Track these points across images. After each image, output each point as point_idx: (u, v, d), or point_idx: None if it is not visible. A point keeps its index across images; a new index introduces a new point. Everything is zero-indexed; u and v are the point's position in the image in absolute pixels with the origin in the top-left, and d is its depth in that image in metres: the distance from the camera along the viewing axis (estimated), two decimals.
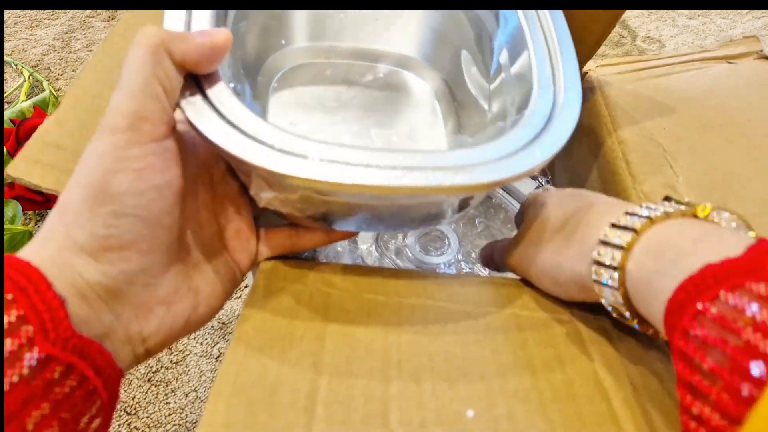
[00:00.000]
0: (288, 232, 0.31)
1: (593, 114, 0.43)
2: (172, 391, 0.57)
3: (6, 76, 0.84)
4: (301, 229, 0.31)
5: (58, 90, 0.82)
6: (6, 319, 0.18)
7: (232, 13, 0.31)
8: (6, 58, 0.85)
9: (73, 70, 0.86)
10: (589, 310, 0.29)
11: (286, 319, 0.26)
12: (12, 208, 0.64)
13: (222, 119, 0.24)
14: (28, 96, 0.80)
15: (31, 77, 0.82)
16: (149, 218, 0.23)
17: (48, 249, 0.21)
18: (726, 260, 0.19)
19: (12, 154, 0.67)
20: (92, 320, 0.22)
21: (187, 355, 0.60)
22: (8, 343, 0.18)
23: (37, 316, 0.19)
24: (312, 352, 0.24)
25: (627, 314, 0.24)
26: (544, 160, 0.26)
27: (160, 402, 0.56)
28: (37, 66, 0.86)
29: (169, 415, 0.56)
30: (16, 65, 0.84)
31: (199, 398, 0.57)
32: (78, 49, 0.89)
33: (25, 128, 0.68)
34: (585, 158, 0.44)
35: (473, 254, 0.50)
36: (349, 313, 0.27)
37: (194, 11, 0.27)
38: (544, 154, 0.26)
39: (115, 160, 0.22)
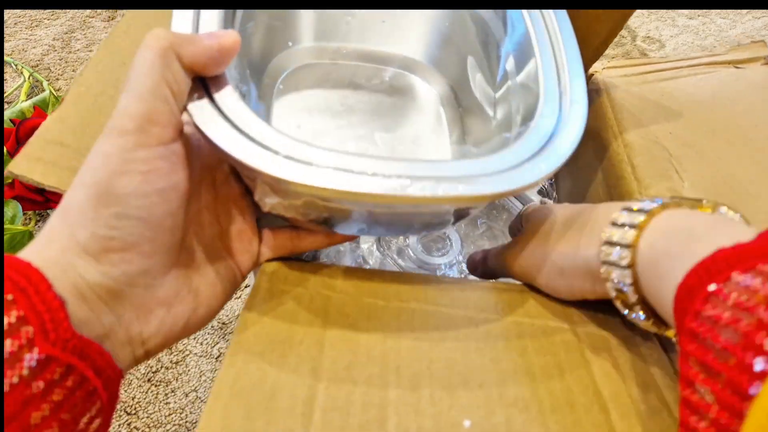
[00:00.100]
0: (289, 233, 0.31)
1: (599, 117, 0.43)
2: (172, 391, 0.57)
3: (6, 76, 0.84)
4: (302, 231, 0.31)
5: (58, 90, 0.82)
6: (6, 319, 0.18)
7: (239, 13, 0.31)
8: (6, 58, 0.85)
9: (73, 70, 0.86)
10: (590, 319, 0.29)
11: (286, 323, 0.26)
12: (12, 208, 0.64)
13: (229, 124, 0.24)
14: (28, 96, 0.80)
15: (31, 77, 0.82)
16: (153, 221, 0.23)
17: (49, 250, 0.21)
18: (738, 245, 0.19)
19: (12, 155, 0.67)
20: (92, 321, 0.21)
21: (187, 355, 0.60)
22: (8, 344, 0.18)
23: (37, 317, 0.19)
24: (311, 357, 0.24)
25: (632, 299, 0.24)
26: (549, 172, 0.26)
27: (160, 402, 0.56)
28: (37, 66, 0.86)
29: (169, 415, 0.56)
30: (16, 65, 0.84)
31: (199, 398, 0.57)
32: (78, 49, 0.89)
33: (25, 128, 0.68)
34: (590, 161, 0.44)
35: None
36: (348, 318, 0.27)
37: (202, 12, 0.27)
38: (549, 166, 0.26)
39: (121, 161, 0.21)
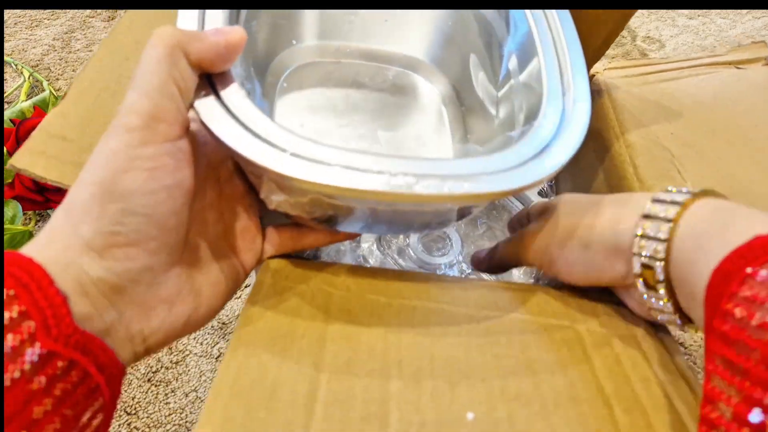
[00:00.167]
0: (292, 231, 0.31)
1: (600, 117, 0.43)
2: (172, 391, 0.57)
3: (6, 76, 0.84)
4: (305, 229, 0.31)
5: (58, 90, 0.82)
6: (7, 314, 0.18)
7: (243, 12, 0.31)
8: (6, 58, 0.85)
9: (73, 70, 0.86)
10: (591, 317, 0.29)
11: (288, 318, 0.26)
12: (12, 208, 0.64)
13: (236, 121, 0.24)
14: (28, 96, 0.79)
15: (31, 77, 0.82)
16: (157, 218, 0.22)
17: (52, 245, 0.21)
18: None
19: (12, 155, 0.67)
20: (94, 317, 0.21)
21: (187, 355, 0.59)
22: (9, 339, 0.18)
23: (38, 312, 0.19)
24: (313, 352, 0.24)
25: (660, 276, 0.25)
26: (553, 171, 0.27)
27: (160, 402, 0.56)
28: (37, 66, 0.85)
29: (169, 415, 0.55)
30: (16, 65, 0.84)
31: (199, 398, 0.57)
32: (78, 49, 0.89)
33: (25, 128, 0.68)
34: (592, 162, 0.44)
35: None
36: (351, 314, 0.27)
37: (207, 12, 0.27)
38: (552, 165, 0.27)
39: (127, 158, 0.21)
